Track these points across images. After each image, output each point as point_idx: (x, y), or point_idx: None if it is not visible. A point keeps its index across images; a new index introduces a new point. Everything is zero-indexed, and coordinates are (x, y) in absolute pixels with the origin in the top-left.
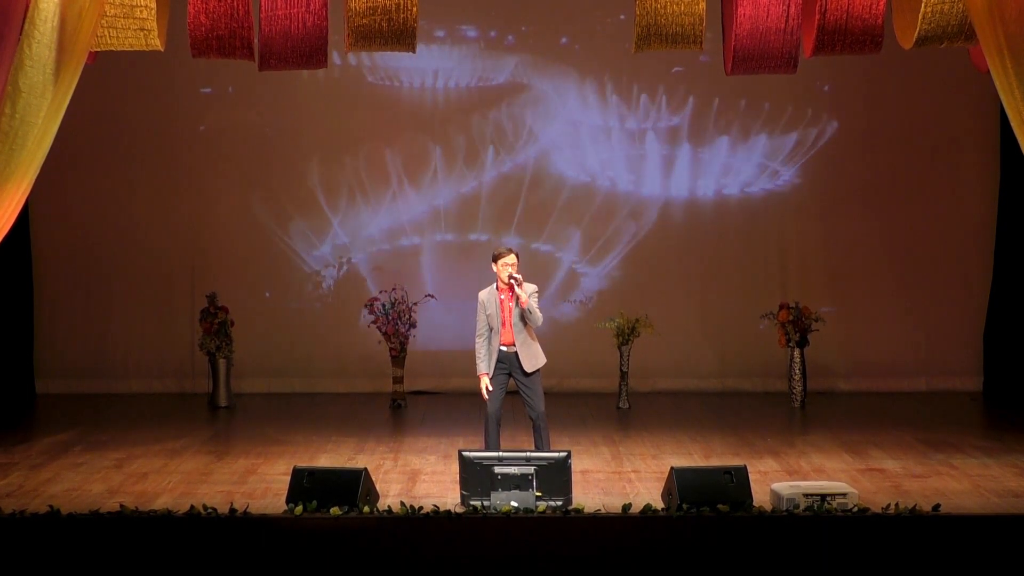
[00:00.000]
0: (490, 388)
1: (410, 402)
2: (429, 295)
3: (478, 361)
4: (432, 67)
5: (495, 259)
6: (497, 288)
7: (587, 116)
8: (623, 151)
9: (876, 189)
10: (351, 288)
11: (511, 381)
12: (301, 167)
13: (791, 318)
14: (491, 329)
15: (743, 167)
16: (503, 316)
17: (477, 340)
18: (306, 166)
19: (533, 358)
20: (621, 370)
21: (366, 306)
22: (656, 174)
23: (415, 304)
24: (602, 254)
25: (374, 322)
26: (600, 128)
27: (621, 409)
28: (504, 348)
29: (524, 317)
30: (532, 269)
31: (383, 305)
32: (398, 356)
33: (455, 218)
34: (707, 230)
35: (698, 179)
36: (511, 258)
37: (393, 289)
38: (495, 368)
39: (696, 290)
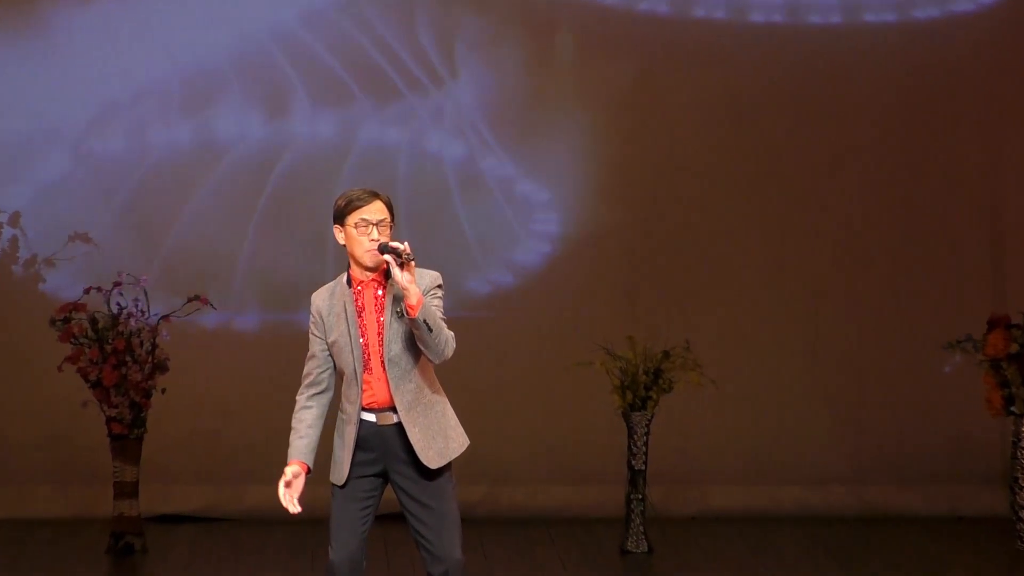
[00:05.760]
0: (292, 502)
1: (153, 539)
2: (196, 297)
3: (292, 437)
4: None
5: (342, 215)
6: (351, 283)
7: None
8: None
9: None
10: (22, 280)
11: (387, 489)
12: None
13: (1015, 351)
14: (335, 375)
15: None
16: (365, 344)
17: (301, 393)
18: None
19: (436, 439)
20: (631, 467)
21: (55, 322)
22: None
23: (165, 318)
24: (571, 189)
25: (70, 359)
26: None
27: (631, 554)
28: (370, 416)
29: (417, 344)
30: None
31: (91, 321)
32: (127, 437)
33: (234, 100)
34: (812, 139)
35: None
36: (377, 209)
37: (116, 283)
38: (351, 460)
39: (795, 287)
